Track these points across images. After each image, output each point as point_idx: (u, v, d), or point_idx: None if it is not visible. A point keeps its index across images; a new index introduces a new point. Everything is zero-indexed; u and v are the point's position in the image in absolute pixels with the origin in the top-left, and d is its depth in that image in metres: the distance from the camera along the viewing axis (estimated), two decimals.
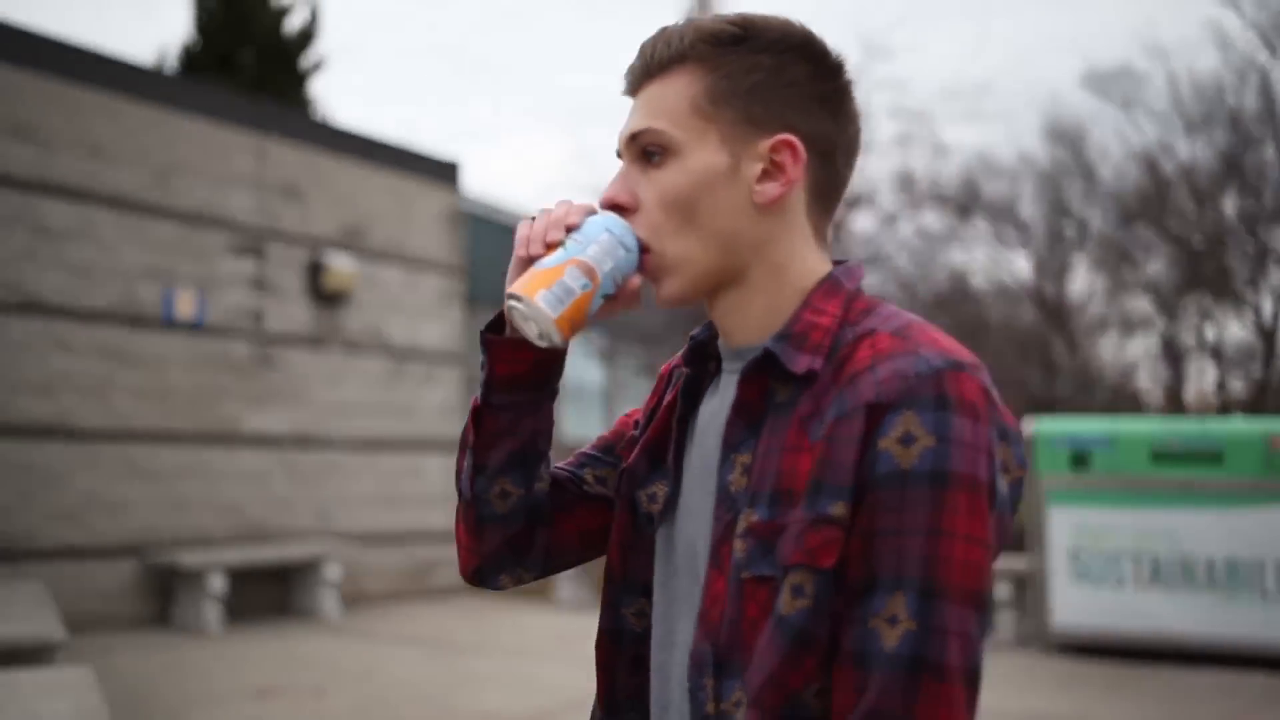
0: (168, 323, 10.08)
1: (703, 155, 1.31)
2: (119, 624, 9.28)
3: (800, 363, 1.26)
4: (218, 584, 9.28)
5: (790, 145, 1.30)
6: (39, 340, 9.19)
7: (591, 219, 1.36)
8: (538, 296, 1.33)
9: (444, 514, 12.34)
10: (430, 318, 12.54)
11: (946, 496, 1.14)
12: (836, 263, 1.38)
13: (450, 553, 12.22)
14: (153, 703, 6.81)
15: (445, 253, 12.79)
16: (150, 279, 9.99)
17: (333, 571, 10.27)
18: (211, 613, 9.26)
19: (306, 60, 16.42)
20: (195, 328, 10.28)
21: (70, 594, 8.81)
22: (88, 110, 9.66)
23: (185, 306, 10.21)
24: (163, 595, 9.61)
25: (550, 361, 1.45)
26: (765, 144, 1.31)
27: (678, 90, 1.32)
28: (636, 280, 1.37)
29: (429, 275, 12.56)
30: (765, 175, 1.31)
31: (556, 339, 1.35)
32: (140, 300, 9.90)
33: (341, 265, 11.33)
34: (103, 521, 9.43)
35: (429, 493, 12.21)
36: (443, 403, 12.56)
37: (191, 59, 15.86)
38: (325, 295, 11.33)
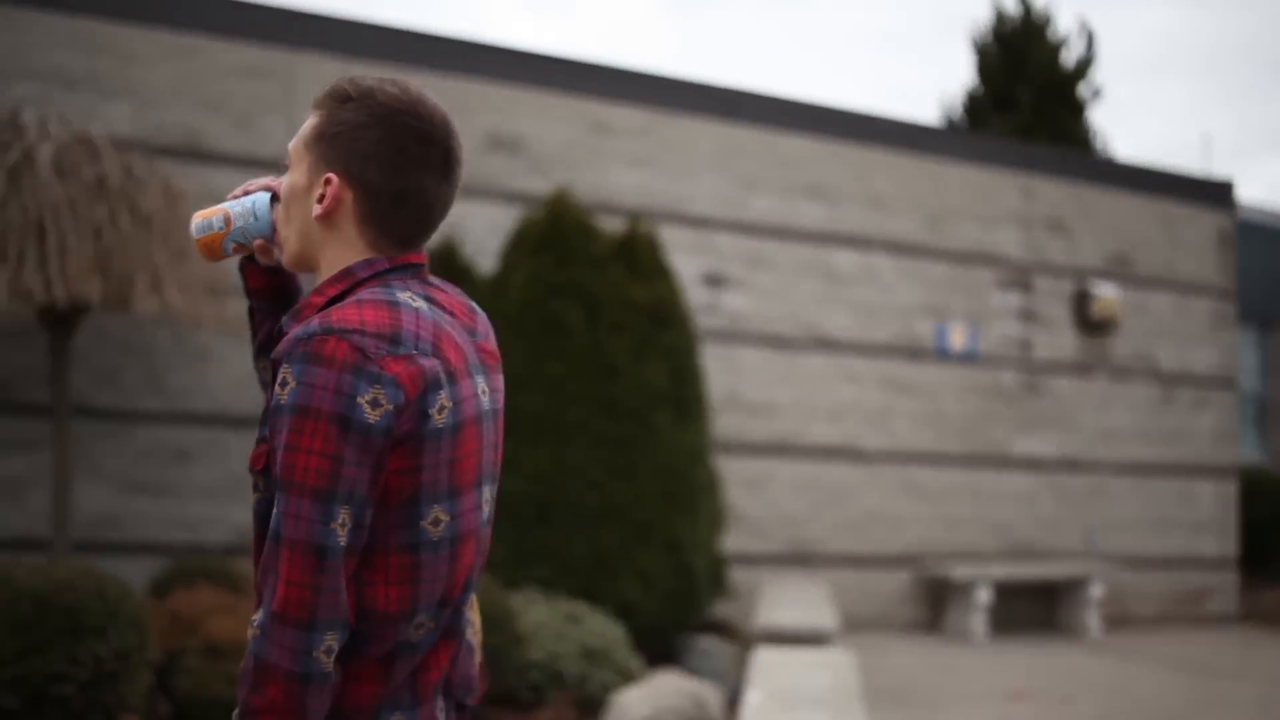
0: (941, 354, 11.04)
1: (297, 175, 1.85)
2: (892, 626, 10.39)
3: (289, 329, 1.78)
4: (985, 596, 10.07)
5: (329, 182, 1.79)
6: (830, 373, 10.54)
7: (256, 192, 1.96)
8: (193, 222, 1.97)
9: (1216, 541, 12.21)
10: (1201, 342, 12.44)
11: (294, 422, 1.63)
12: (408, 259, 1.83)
13: (1222, 579, 12.06)
14: (913, 693, 7.71)
15: (1218, 276, 12.62)
16: (925, 315, 11.02)
17: (1096, 591, 10.66)
18: (978, 622, 10.07)
19: (1083, 91, 16.76)
20: (967, 358, 11.15)
21: (851, 597, 10.06)
22: (870, 167, 10.90)
23: (958, 339, 11.13)
24: (934, 604, 10.59)
25: (271, 286, 2.03)
26: (323, 178, 1.80)
27: (307, 125, 1.85)
28: (260, 242, 1.93)
29: (1199, 299, 12.47)
30: (320, 200, 1.80)
31: (199, 253, 1.99)
32: (917, 335, 10.95)
33: (1108, 294, 11.67)
34: (882, 534, 10.58)
35: (1200, 519, 12.14)
36: (1215, 428, 12.39)
37: (973, 102, 16.88)
38: (1092, 324, 11.72)
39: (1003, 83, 16.59)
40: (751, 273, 10.31)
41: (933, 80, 36.24)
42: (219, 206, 1.97)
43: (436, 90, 8.21)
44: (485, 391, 1.82)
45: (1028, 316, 11.52)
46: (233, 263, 2.36)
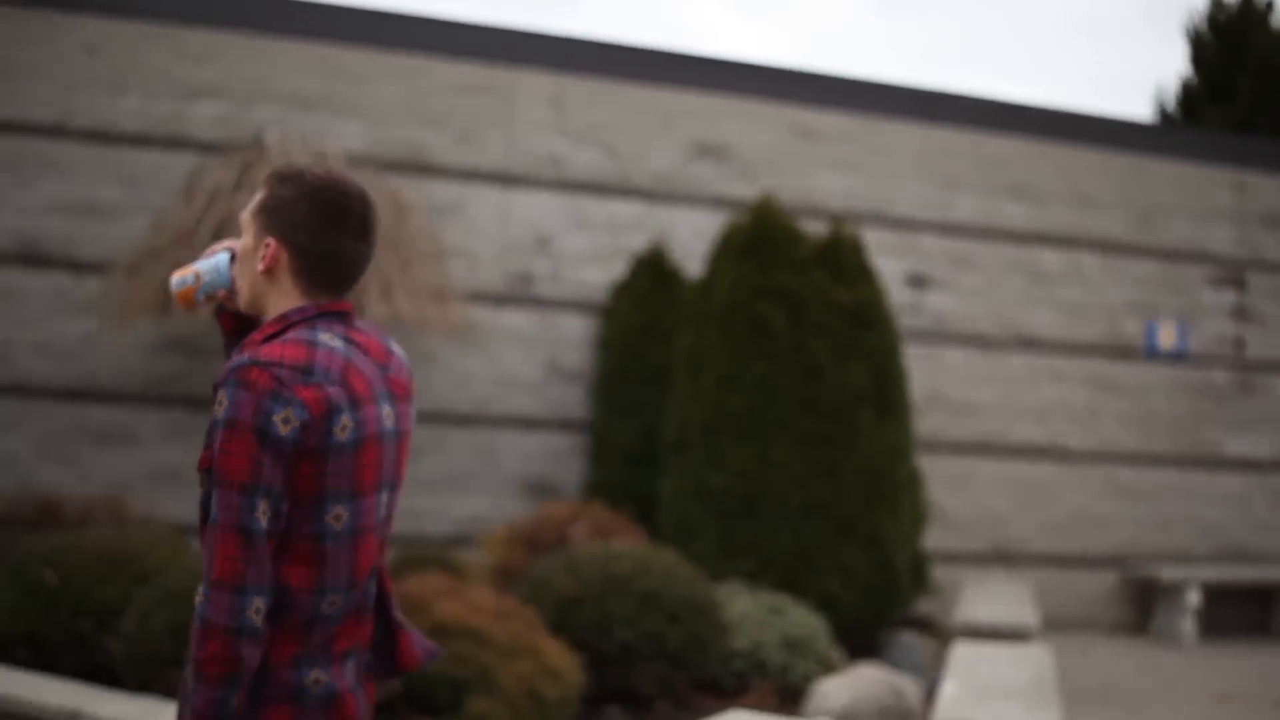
0: (1150, 353, 10.93)
1: (247, 237, 2.29)
2: (1097, 628, 10.34)
3: (231, 361, 2.14)
4: (1194, 599, 9.95)
5: (269, 244, 2.22)
6: (1035, 372, 10.54)
7: (220, 253, 2.39)
8: (173, 278, 2.37)
9: None
10: None
11: (225, 433, 2.04)
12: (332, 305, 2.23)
13: None
14: (1114, 692, 7.74)
15: None
16: (1133, 313, 10.92)
17: None
18: (1187, 625, 9.95)
19: None
20: (1176, 357, 11.00)
21: (1055, 597, 10.07)
22: (1077, 165, 10.86)
23: (1167, 337, 10.99)
24: (1140, 606, 10.51)
25: (241, 330, 2.43)
26: (264, 241, 2.24)
27: (254, 199, 2.28)
28: (223, 292, 2.36)
29: None
30: (262, 258, 2.23)
31: (176, 305, 2.41)
32: (1124, 333, 10.86)
33: None
34: (1087, 534, 10.54)
35: None
36: None
37: (1188, 94, 16.49)
38: None
39: (1220, 73, 16.16)
40: (955, 273, 10.39)
41: (1144, 71, 35.18)
42: (191, 266, 2.40)
43: (645, 100, 8.73)
44: (390, 415, 2.24)
45: (1241, 314, 11.29)
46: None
